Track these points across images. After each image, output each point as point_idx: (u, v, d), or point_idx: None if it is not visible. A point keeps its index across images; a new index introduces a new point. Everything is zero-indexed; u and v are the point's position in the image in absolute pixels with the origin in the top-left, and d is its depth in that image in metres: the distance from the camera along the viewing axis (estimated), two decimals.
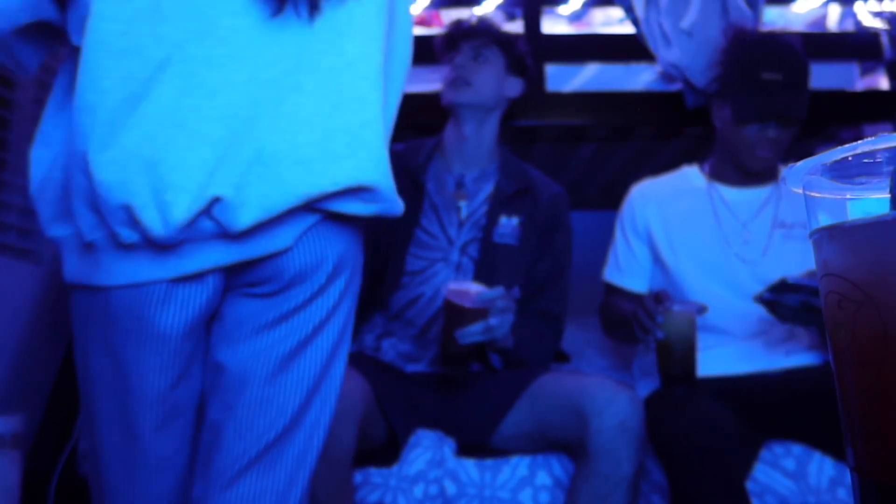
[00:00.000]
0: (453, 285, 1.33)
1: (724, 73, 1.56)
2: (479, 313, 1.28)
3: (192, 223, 0.73)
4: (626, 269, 1.62)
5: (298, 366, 0.81)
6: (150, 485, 0.81)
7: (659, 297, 1.33)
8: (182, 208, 0.71)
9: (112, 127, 0.71)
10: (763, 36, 1.59)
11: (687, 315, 1.33)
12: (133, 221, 0.72)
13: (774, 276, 1.50)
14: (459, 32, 1.58)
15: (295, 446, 0.81)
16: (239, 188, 0.72)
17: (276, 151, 0.74)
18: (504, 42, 1.58)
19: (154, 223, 0.71)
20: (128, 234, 0.73)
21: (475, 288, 1.32)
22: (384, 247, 1.50)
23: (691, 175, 1.64)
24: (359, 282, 0.90)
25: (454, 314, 1.29)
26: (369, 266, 1.50)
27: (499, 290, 1.31)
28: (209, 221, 0.74)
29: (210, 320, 0.83)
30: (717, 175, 1.61)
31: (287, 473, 0.80)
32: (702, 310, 1.36)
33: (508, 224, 1.53)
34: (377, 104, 0.81)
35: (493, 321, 1.29)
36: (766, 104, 1.45)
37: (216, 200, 0.72)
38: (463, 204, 1.55)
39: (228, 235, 0.75)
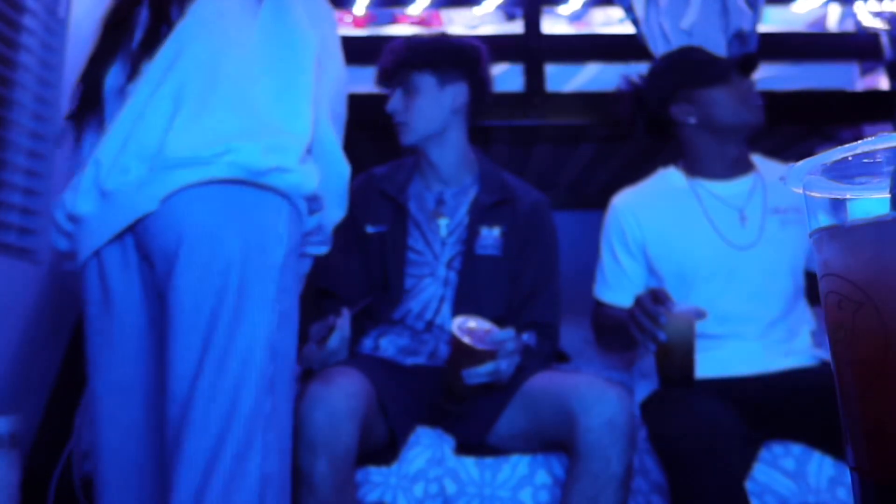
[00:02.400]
0: (462, 322, 1.32)
1: (672, 80, 1.59)
2: (489, 354, 1.28)
3: (86, 194, 0.97)
4: (615, 285, 1.60)
5: (197, 330, 0.91)
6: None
7: (657, 297, 1.31)
8: (82, 178, 0.98)
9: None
10: (670, 53, 1.69)
11: (687, 317, 1.30)
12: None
13: (772, 260, 1.50)
14: (382, 79, 1.56)
15: (216, 408, 0.88)
16: (106, 153, 0.98)
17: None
18: (426, 61, 1.52)
19: (69, 200, 0.99)
20: (63, 221, 1.01)
21: (484, 325, 1.32)
22: (378, 268, 1.52)
23: (671, 176, 1.64)
24: (248, 252, 0.93)
25: (463, 354, 1.28)
26: (372, 287, 1.53)
27: (509, 333, 1.31)
28: (95, 191, 0.96)
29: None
30: (698, 171, 1.60)
31: (216, 430, 0.87)
32: (700, 315, 1.33)
33: (490, 235, 1.53)
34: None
35: (502, 364, 1.30)
36: (724, 64, 1.55)
37: (95, 162, 0.97)
38: (442, 222, 1.55)
39: (106, 201, 0.96)
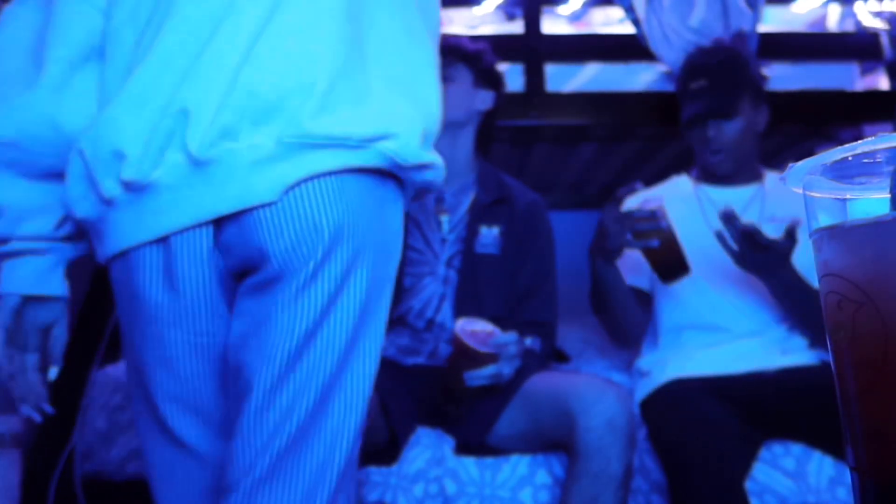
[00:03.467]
0: (465, 323, 1.32)
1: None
2: (491, 357, 1.29)
3: (160, 154, 0.70)
4: (627, 267, 1.61)
5: (305, 362, 0.71)
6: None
7: (615, 203, 1.38)
8: (148, 122, 0.70)
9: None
10: (695, 52, 1.75)
11: (661, 208, 1.38)
12: (114, 165, 0.71)
13: None
14: None
15: (313, 455, 0.71)
16: (199, 101, 0.69)
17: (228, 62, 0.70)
18: (469, 58, 1.58)
19: (132, 156, 0.70)
20: (109, 185, 0.71)
21: (487, 327, 1.32)
22: None
23: (679, 182, 1.68)
24: (378, 261, 0.75)
25: (464, 355, 1.29)
26: None
27: (512, 336, 1.31)
28: (178, 153, 0.70)
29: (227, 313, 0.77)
30: (703, 177, 1.64)
31: (305, 485, 0.70)
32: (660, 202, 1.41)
33: (489, 234, 1.54)
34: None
35: (504, 368, 1.30)
36: (692, 109, 1.57)
37: (181, 113, 0.69)
38: (444, 219, 1.57)
39: (198, 172, 0.70)
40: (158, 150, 0.69)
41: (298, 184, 0.70)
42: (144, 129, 0.70)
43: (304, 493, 0.69)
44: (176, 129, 0.69)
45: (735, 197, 1.59)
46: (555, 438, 1.28)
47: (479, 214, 1.55)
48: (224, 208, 0.70)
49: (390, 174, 0.77)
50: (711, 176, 1.62)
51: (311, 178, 0.70)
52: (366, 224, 0.73)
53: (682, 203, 1.61)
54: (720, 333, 1.50)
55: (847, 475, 1.34)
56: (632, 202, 1.46)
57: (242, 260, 0.73)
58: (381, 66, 0.76)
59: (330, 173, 0.71)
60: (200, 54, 0.70)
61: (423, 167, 0.78)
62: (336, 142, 0.70)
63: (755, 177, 1.63)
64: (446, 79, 1.55)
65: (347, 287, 0.72)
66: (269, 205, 0.70)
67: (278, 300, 0.71)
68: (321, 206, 0.70)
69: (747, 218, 1.56)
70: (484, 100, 1.60)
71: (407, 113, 0.75)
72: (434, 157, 0.80)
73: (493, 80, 1.62)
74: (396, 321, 1.51)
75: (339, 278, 0.71)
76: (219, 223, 0.73)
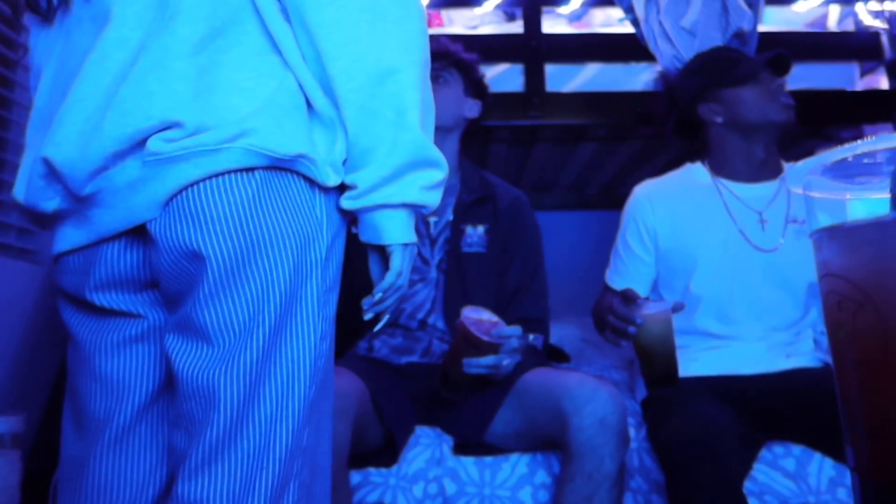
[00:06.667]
0: (471, 311, 1.32)
1: (700, 80, 1.61)
2: (492, 347, 1.29)
3: (44, 187, 0.76)
4: (624, 273, 1.59)
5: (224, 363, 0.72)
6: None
7: (627, 298, 1.26)
8: (26, 172, 0.79)
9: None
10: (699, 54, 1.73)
11: (663, 315, 1.26)
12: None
13: (789, 266, 1.49)
14: None
15: (248, 443, 0.70)
16: (72, 146, 0.73)
17: (103, 103, 0.73)
18: (463, 66, 1.60)
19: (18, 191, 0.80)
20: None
21: (493, 318, 1.32)
22: (366, 274, 1.51)
23: (696, 172, 1.62)
24: (287, 249, 0.75)
25: (467, 343, 1.29)
26: (358, 297, 1.52)
27: (516, 330, 1.31)
28: (58, 184, 0.76)
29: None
30: (723, 172, 1.59)
31: (241, 473, 0.70)
32: (677, 307, 1.29)
33: (474, 233, 1.54)
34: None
35: (504, 360, 1.30)
36: (774, 50, 1.53)
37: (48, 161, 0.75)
38: (432, 220, 1.57)
39: (81, 203, 0.75)
40: (38, 190, 0.77)
41: (174, 196, 0.72)
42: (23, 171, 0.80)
43: (242, 481, 0.69)
44: (39, 169, 0.76)
45: (757, 193, 1.55)
46: (549, 437, 1.28)
47: (464, 214, 1.55)
48: (114, 229, 0.74)
49: (292, 172, 0.77)
50: (731, 171, 1.57)
51: (187, 186, 0.72)
52: (255, 218, 0.73)
53: (703, 194, 1.57)
54: (726, 337, 1.49)
55: (847, 476, 1.34)
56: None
57: (156, 266, 0.76)
58: (234, 82, 0.75)
59: (204, 179, 0.72)
60: (63, 101, 0.75)
61: (300, 159, 0.76)
62: (191, 151, 0.71)
63: (775, 172, 1.58)
64: (441, 82, 1.55)
65: (246, 278, 0.72)
66: (152, 221, 0.73)
67: (193, 302, 0.73)
68: (204, 208, 0.72)
69: (770, 216, 1.52)
70: (472, 108, 1.62)
71: (259, 112, 0.74)
72: (309, 148, 0.77)
73: (481, 91, 1.66)
74: (389, 324, 1.51)
75: (236, 274, 0.72)
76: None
